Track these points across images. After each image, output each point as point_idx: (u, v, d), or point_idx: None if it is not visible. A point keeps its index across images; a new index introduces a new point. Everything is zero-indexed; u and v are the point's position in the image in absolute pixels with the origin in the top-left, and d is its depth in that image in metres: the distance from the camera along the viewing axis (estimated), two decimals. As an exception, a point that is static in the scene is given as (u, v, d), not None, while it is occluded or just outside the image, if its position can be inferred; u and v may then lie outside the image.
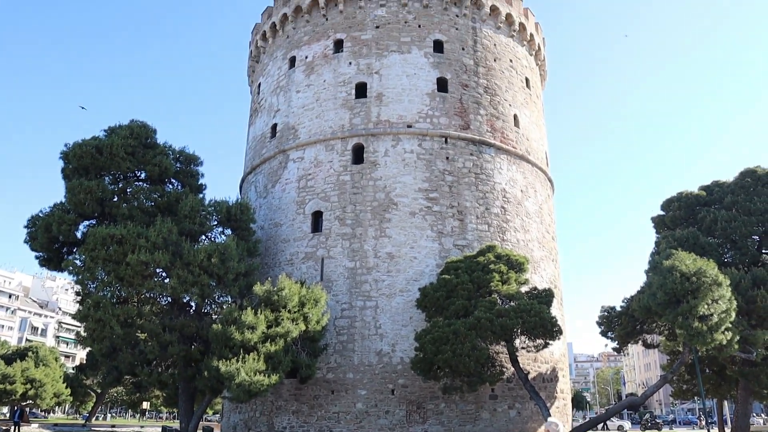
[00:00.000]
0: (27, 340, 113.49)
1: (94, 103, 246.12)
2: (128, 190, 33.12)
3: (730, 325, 28.37)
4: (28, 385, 64.94)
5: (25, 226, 32.71)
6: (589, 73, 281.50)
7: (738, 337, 29.38)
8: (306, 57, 41.84)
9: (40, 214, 32.35)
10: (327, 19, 42.01)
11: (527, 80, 44.34)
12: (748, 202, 36.40)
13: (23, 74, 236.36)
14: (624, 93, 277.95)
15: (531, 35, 45.73)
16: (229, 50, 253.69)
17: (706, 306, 27.15)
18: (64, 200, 32.36)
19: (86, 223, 32.85)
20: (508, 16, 43.48)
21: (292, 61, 42.82)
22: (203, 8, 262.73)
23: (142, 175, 34.21)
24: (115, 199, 32.65)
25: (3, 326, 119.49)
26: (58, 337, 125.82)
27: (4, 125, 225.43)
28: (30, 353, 68.95)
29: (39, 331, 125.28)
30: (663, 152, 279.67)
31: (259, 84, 46.14)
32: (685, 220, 39.54)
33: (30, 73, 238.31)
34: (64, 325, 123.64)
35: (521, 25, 44.48)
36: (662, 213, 42.03)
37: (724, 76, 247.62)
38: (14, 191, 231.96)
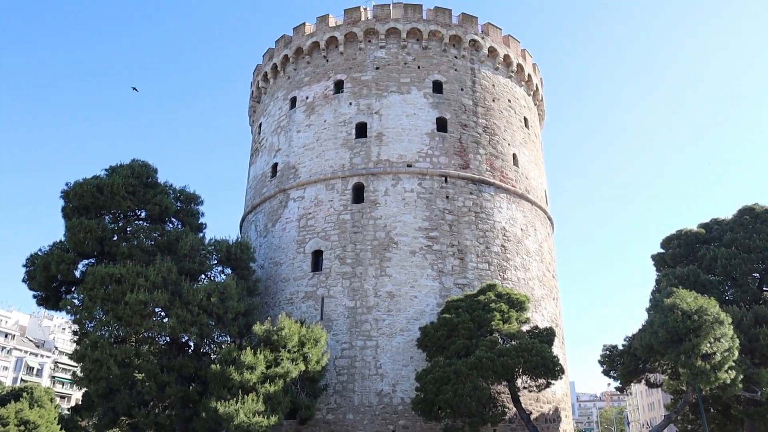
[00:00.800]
0: (22, 380, 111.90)
1: (97, 142, 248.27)
2: (128, 229, 33.13)
3: (733, 364, 28.13)
4: (22, 427, 63.82)
5: (24, 265, 32.63)
6: (588, 112, 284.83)
7: (742, 376, 29.10)
8: (307, 97, 42.37)
9: (39, 253, 32.31)
10: (327, 61, 42.68)
11: (526, 120, 44.84)
12: (747, 239, 36.43)
13: (24, 112, 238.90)
14: (622, 131, 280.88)
15: (529, 76, 46.39)
16: (230, 90, 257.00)
17: (708, 344, 26.96)
18: (63, 239, 32.35)
19: (85, 262, 32.78)
20: (506, 57, 44.16)
21: (293, 102, 43.36)
22: (205, 48, 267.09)
23: (143, 214, 34.26)
24: (115, 238, 32.62)
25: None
26: (54, 377, 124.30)
27: (4, 163, 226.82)
28: (25, 394, 67.88)
29: (34, 371, 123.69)
30: (662, 190, 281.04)
31: (260, 124, 46.61)
32: (685, 257, 39.50)
33: (31, 111, 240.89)
34: (60, 365, 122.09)
35: (519, 66, 45.17)
36: (662, 251, 42.01)
37: (722, 114, 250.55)
38: (13, 230, 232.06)
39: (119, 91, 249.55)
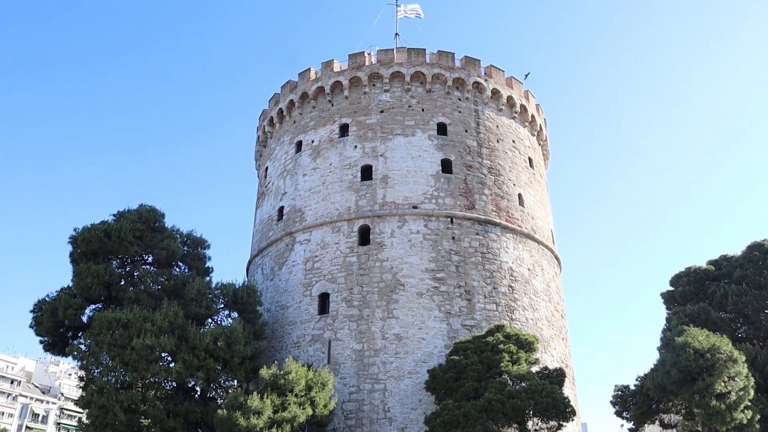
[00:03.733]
0: (27, 427, 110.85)
1: (105, 188, 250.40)
2: (135, 274, 33.25)
3: (749, 404, 27.70)
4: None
5: (31, 311, 32.78)
6: (593, 151, 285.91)
7: (759, 416, 28.61)
8: (312, 141, 42.83)
9: (47, 299, 32.44)
10: (332, 105, 43.26)
11: (530, 160, 45.07)
12: (758, 275, 36.21)
13: (32, 157, 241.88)
14: (628, 169, 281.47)
15: (532, 116, 46.81)
16: (236, 135, 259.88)
17: (722, 383, 26.59)
18: (71, 284, 32.49)
19: (92, 307, 32.87)
20: (510, 98, 44.64)
21: (299, 146, 43.82)
22: (212, 94, 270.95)
23: (150, 259, 34.46)
24: (122, 283, 32.77)
25: (3, 413, 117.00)
26: (59, 424, 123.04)
27: (13, 209, 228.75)
28: (29, 442, 67.22)
29: (40, 418, 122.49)
30: (669, 227, 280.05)
31: (267, 168, 47.04)
32: (695, 295, 39.23)
33: (39, 156, 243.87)
34: (65, 412, 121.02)
35: (522, 107, 45.61)
36: (671, 288, 41.78)
37: (730, 149, 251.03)
38: (21, 276, 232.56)
39: (127, 136, 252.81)
